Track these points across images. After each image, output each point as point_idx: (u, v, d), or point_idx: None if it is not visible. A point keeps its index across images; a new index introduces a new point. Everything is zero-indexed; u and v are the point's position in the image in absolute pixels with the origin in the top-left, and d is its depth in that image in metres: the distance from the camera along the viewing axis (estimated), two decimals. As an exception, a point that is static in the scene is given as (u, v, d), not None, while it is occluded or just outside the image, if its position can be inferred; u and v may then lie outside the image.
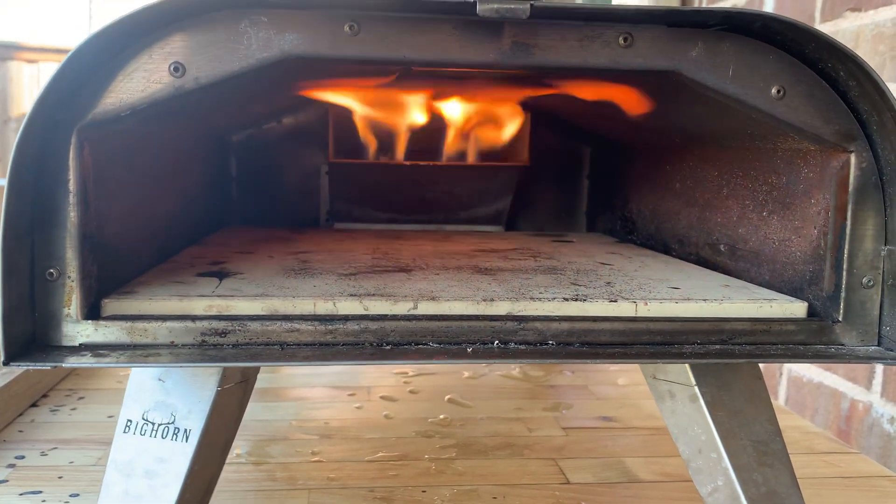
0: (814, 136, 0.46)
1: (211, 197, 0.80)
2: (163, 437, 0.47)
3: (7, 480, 0.64)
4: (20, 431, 0.74)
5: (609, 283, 0.53)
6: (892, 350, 0.46)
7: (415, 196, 0.86)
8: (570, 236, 0.84)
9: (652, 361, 0.47)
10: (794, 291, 0.52)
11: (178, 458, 0.47)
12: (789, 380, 1.17)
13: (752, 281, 0.57)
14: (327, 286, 0.49)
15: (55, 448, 0.70)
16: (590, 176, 0.94)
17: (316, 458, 0.70)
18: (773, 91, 0.45)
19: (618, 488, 0.66)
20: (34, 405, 0.81)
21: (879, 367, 1.07)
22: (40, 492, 0.62)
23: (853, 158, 0.46)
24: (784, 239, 0.54)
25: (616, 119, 0.70)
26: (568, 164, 0.94)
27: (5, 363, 0.39)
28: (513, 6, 0.40)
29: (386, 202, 0.86)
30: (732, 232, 0.61)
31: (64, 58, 0.39)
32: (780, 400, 1.03)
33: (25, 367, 0.39)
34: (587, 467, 0.70)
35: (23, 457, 0.68)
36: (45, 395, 0.84)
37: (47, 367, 0.40)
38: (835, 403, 1.12)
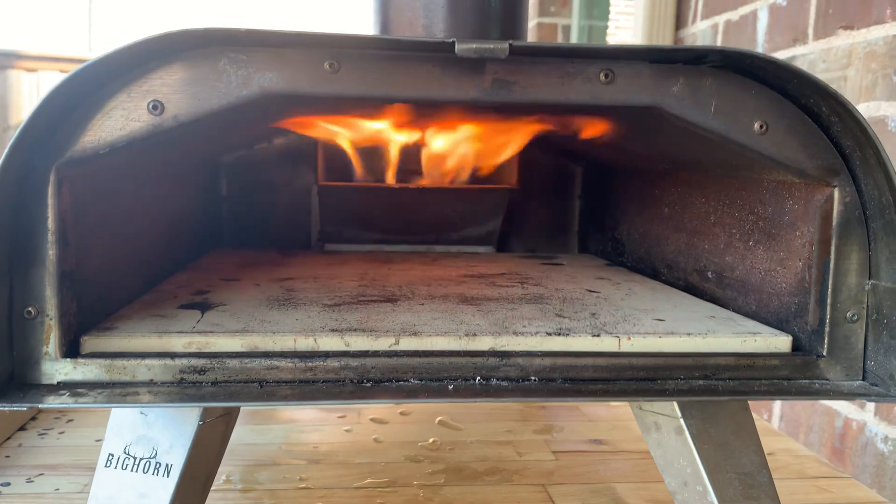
0: (797, 171, 0.46)
1: (200, 219, 0.80)
2: (144, 472, 0.47)
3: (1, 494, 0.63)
4: (7, 457, 0.74)
5: (594, 314, 0.53)
6: (876, 385, 0.46)
7: (405, 217, 0.85)
8: (561, 258, 0.84)
9: (635, 399, 0.46)
10: (780, 323, 0.51)
11: (160, 493, 0.46)
12: (782, 400, 1.16)
13: (739, 310, 0.57)
14: (310, 319, 0.49)
15: (41, 474, 0.70)
16: (581, 196, 0.94)
17: (304, 485, 0.69)
18: (756, 126, 0.45)
19: (606, 516, 0.66)
20: (22, 428, 0.81)
21: None
22: (24, 521, 0.61)
23: (836, 193, 0.46)
24: (770, 269, 0.54)
25: (605, 145, 0.70)
26: (559, 184, 0.93)
27: (-17, 404, 0.39)
28: (491, 46, 0.40)
29: (376, 223, 0.85)
30: (720, 259, 0.61)
31: (59, 81, 0.39)
32: (774, 417, 1.03)
33: (3, 409, 0.39)
34: (576, 493, 0.70)
35: (8, 483, 0.68)
36: (33, 419, 0.83)
37: (24, 408, 0.39)
38: (829, 422, 1.11)
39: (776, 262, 0.53)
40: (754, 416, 0.89)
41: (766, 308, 0.54)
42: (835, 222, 0.46)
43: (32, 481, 0.69)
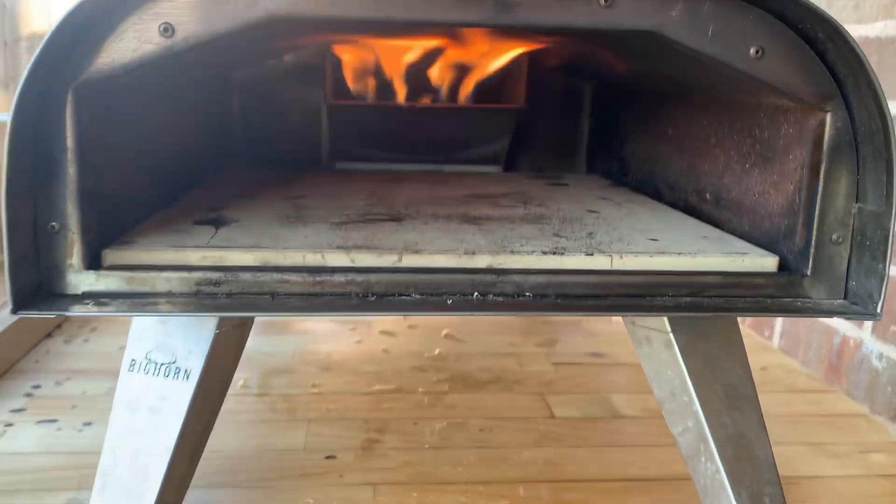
0: (792, 96, 0.47)
1: (213, 137, 0.82)
2: (165, 377, 0.50)
3: (25, 409, 0.68)
4: (36, 362, 0.78)
5: (591, 233, 0.55)
6: (856, 304, 0.48)
7: (414, 136, 0.87)
8: (567, 178, 0.85)
9: (624, 314, 0.49)
10: (770, 243, 0.53)
11: (180, 395, 0.50)
12: (780, 318, 1.19)
13: (733, 231, 0.59)
14: (318, 236, 0.51)
15: (69, 378, 0.75)
16: (591, 115, 0.95)
17: (316, 391, 0.74)
18: (752, 51, 0.46)
19: (600, 423, 0.69)
20: (49, 336, 0.85)
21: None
22: (56, 420, 0.66)
23: (829, 118, 0.47)
24: (763, 192, 0.55)
25: (610, 65, 0.70)
26: (569, 103, 0.94)
27: (13, 312, 0.42)
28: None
29: (386, 142, 0.87)
30: (718, 181, 0.63)
31: (73, 5, 0.40)
32: (775, 335, 1.06)
33: (33, 316, 0.42)
34: (573, 402, 0.74)
35: (39, 386, 0.73)
36: (58, 326, 0.88)
37: (52, 315, 0.43)
38: (827, 339, 1.14)
39: (770, 185, 0.54)
40: (756, 334, 0.92)
41: (759, 229, 0.55)
42: (826, 146, 0.48)
43: (61, 384, 0.73)
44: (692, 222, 0.62)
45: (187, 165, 0.71)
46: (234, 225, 0.54)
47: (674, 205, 0.70)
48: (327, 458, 0.61)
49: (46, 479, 0.57)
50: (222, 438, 0.54)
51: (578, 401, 0.74)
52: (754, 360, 0.55)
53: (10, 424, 0.65)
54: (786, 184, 0.52)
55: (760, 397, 0.76)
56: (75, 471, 0.57)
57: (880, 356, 1.07)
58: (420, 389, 0.75)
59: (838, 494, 0.59)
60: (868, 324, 1.12)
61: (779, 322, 1.17)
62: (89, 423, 0.65)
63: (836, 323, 1.06)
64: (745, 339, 0.53)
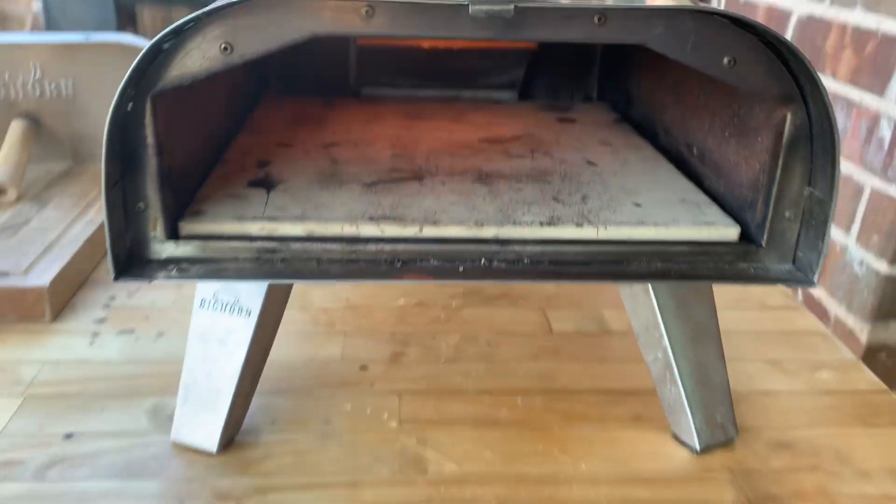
0: (760, 97, 0.55)
1: (255, 76, 0.89)
2: (230, 313, 0.62)
3: (106, 319, 0.81)
4: (108, 272, 0.90)
5: (584, 196, 0.64)
6: (800, 272, 0.58)
7: (436, 69, 0.94)
8: (576, 111, 0.93)
9: (604, 280, 0.59)
10: (738, 209, 0.62)
11: (244, 329, 0.61)
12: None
13: (710, 189, 0.67)
14: (353, 203, 0.61)
15: (138, 289, 0.87)
16: (602, 45, 1.00)
17: (349, 304, 0.86)
18: (726, 61, 0.53)
19: (591, 338, 0.81)
20: (115, 246, 0.97)
21: (860, 214, 1.18)
22: (133, 331, 0.79)
23: (790, 116, 0.55)
24: (737, 162, 0.63)
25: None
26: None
27: (115, 279, 0.53)
28: (498, 8, 0.48)
29: (409, 75, 0.94)
30: (703, 140, 0.70)
31: (158, 36, 0.48)
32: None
33: (129, 281, 0.53)
34: (569, 316, 0.85)
35: (114, 297, 0.85)
36: (122, 236, 0.99)
37: (145, 282, 0.54)
38: None
39: (742, 158, 0.62)
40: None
41: (731, 194, 0.64)
42: (785, 139, 0.56)
43: (132, 296, 0.86)
44: (677, 178, 0.70)
45: (234, 108, 0.80)
46: (282, 188, 0.64)
47: (667, 151, 0.78)
48: (361, 368, 0.74)
49: (133, 385, 0.70)
50: (277, 350, 0.66)
51: (574, 316, 0.85)
52: (718, 305, 0.65)
53: (96, 334, 0.78)
54: (753, 162, 0.60)
55: (735, 314, 0.88)
56: (156, 378, 0.71)
57: (861, 262, 1.18)
58: (438, 304, 0.86)
59: (783, 408, 0.72)
60: (854, 231, 1.21)
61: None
62: (162, 334, 0.78)
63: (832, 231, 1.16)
64: (709, 290, 0.63)
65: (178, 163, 0.57)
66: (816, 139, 0.55)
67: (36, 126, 1.06)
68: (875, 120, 1.15)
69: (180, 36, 0.50)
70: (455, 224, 0.58)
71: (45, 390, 0.69)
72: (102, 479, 0.59)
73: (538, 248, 0.57)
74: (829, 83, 1.27)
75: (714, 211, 0.63)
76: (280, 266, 0.56)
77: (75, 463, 0.60)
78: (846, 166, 1.23)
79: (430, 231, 0.58)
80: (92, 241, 0.89)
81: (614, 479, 0.61)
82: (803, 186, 0.57)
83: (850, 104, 1.21)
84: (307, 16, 0.50)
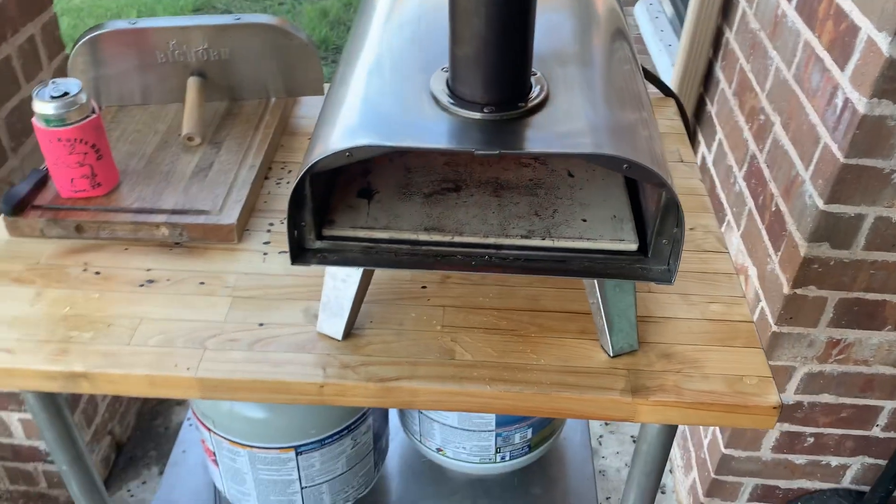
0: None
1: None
2: (343, 281, 1.10)
3: (270, 242, 1.30)
4: (265, 202, 1.39)
5: (555, 211, 1.07)
6: (669, 273, 1.01)
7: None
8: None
9: (554, 275, 1.03)
10: (643, 227, 1.04)
11: (354, 274, 1.10)
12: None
13: (641, 204, 1.08)
14: (416, 212, 1.05)
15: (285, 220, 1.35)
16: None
17: (418, 234, 1.32)
18: (625, 167, 0.93)
19: (569, 281, 1.26)
20: (266, 178, 1.45)
21: (814, 160, 1.56)
22: (287, 251, 1.28)
23: (664, 193, 0.95)
24: (649, 196, 1.04)
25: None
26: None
27: (292, 264, 1.01)
28: (488, 152, 0.89)
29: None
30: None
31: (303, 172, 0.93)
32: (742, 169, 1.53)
33: (300, 266, 1.01)
34: (562, 252, 1.30)
35: (272, 223, 1.34)
36: (269, 169, 1.47)
37: (308, 265, 1.02)
38: (787, 172, 1.65)
39: (651, 202, 1.03)
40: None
41: (646, 215, 1.06)
42: (661, 204, 0.96)
43: (283, 223, 1.34)
44: (620, 195, 1.10)
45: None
46: (375, 198, 1.08)
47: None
48: (422, 287, 1.22)
49: (293, 292, 1.21)
50: (376, 276, 1.15)
51: (564, 252, 1.29)
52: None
53: (266, 253, 1.28)
54: (653, 207, 1.01)
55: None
56: (304, 288, 1.21)
57: (810, 196, 1.57)
58: (476, 237, 1.32)
59: (677, 329, 1.17)
60: (809, 172, 1.60)
61: (742, 175, 1.66)
62: (303, 255, 1.27)
63: (795, 160, 1.55)
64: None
65: (321, 198, 1.03)
66: (678, 208, 0.96)
67: (204, 80, 1.51)
68: (836, 89, 1.49)
69: (325, 159, 0.94)
70: (472, 235, 1.03)
71: (242, 294, 1.20)
72: (282, 352, 1.11)
73: (518, 252, 1.02)
74: (815, 45, 1.58)
75: (628, 228, 1.05)
76: (375, 257, 1.03)
77: (268, 342, 1.13)
78: (814, 118, 1.58)
79: (458, 238, 1.03)
80: (255, 183, 1.37)
81: (557, 369, 1.10)
82: (672, 228, 0.98)
83: (824, 69, 1.55)
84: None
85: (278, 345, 1.12)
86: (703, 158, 2.27)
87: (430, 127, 0.93)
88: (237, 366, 1.09)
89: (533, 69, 0.99)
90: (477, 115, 0.93)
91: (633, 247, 1.02)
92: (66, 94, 1.22)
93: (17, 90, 1.77)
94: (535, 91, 0.97)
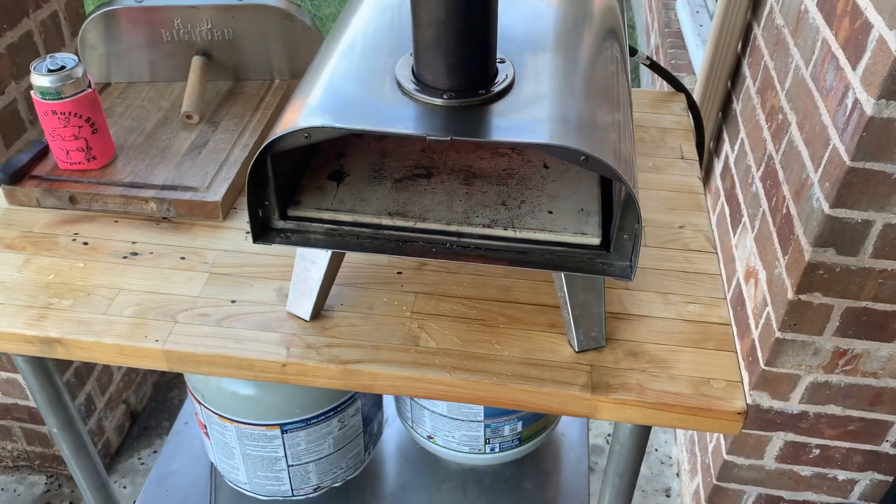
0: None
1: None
2: (311, 262, 1.11)
3: (254, 220, 1.32)
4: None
5: (522, 201, 1.06)
6: (631, 270, 0.99)
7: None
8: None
9: (513, 266, 1.01)
10: (606, 222, 1.02)
11: (322, 256, 1.11)
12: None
13: (606, 199, 1.06)
14: (384, 197, 1.05)
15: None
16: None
17: (401, 220, 1.32)
18: (582, 159, 0.91)
19: (542, 274, 1.24)
20: (260, 158, 1.46)
21: (823, 162, 1.51)
22: (269, 231, 1.30)
23: (623, 189, 0.93)
24: (616, 194, 1.02)
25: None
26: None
27: (254, 242, 1.03)
28: (439, 137, 0.88)
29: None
30: (616, 161, 1.08)
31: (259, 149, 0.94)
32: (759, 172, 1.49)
33: (261, 244, 1.03)
34: (543, 244, 1.28)
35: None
36: (265, 149, 1.48)
37: (268, 244, 1.03)
38: (798, 174, 1.60)
39: (616, 194, 1.01)
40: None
41: (614, 210, 1.04)
42: (622, 197, 0.95)
43: (270, 202, 1.36)
44: (591, 188, 1.08)
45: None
46: (346, 181, 1.09)
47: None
48: (398, 273, 1.22)
49: (267, 271, 1.22)
50: (350, 259, 1.15)
51: (546, 244, 1.28)
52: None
53: (248, 232, 1.30)
54: (616, 202, 0.99)
55: (660, 252, 1.27)
56: (280, 268, 1.22)
57: (817, 199, 1.52)
58: (459, 225, 1.31)
59: (650, 329, 1.14)
60: (818, 175, 1.55)
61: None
62: (285, 235, 1.29)
63: (808, 165, 1.51)
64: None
65: (284, 178, 1.04)
66: (633, 203, 0.94)
67: (209, 59, 1.53)
68: (847, 88, 1.44)
69: (283, 138, 0.94)
70: (435, 222, 1.03)
71: (220, 270, 1.23)
72: (251, 329, 1.13)
73: (480, 241, 1.01)
74: (832, 42, 1.52)
75: (594, 222, 1.03)
76: (338, 239, 1.03)
77: (237, 318, 1.14)
78: (826, 119, 1.53)
79: (421, 224, 1.03)
80: (246, 162, 1.39)
81: (520, 361, 1.09)
82: (633, 223, 0.96)
83: (838, 68, 1.50)
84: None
85: (247, 322, 1.14)
86: (727, 158, 2.21)
87: (390, 111, 0.93)
88: (203, 340, 1.11)
89: (501, 56, 0.98)
90: (437, 102, 0.92)
91: (596, 241, 1.01)
92: (62, 67, 1.25)
93: (40, 64, 1.83)
94: (501, 77, 0.96)
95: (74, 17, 1.90)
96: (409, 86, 0.95)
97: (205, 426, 1.62)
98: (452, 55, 0.92)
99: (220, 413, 1.54)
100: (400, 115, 0.93)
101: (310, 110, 0.94)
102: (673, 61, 3.07)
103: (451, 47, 0.91)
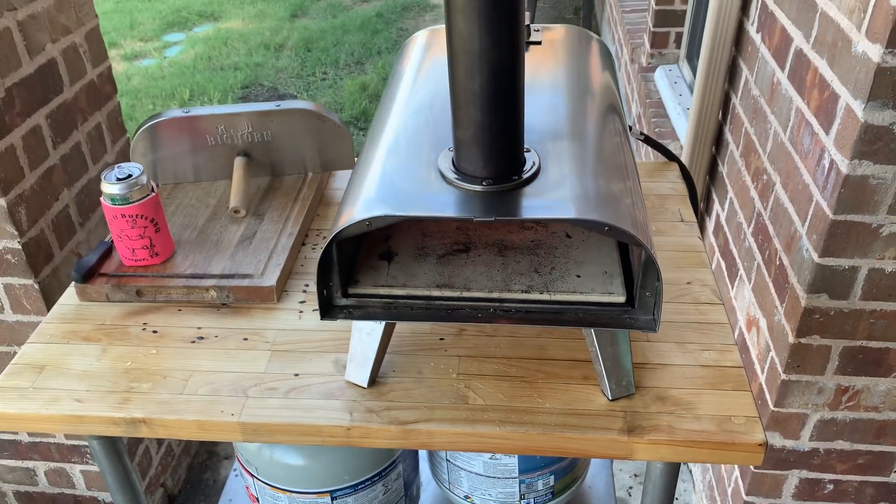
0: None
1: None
2: (368, 335, 1.25)
3: (305, 301, 1.46)
4: (301, 265, 1.55)
5: (552, 268, 1.21)
6: (655, 322, 1.13)
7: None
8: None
9: (550, 326, 1.16)
10: (630, 281, 1.17)
11: (377, 329, 1.24)
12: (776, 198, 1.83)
13: (629, 263, 1.21)
14: (430, 271, 1.20)
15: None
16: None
17: (437, 292, 1.47)
18: (606, 229, 1.06)
19: (573, 332, 1.39)
20: (303, 244, 1.61)
21: (807, 220, 1.67)
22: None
23: (643, 253, 1.08)
24: (635, 256, 1.17)
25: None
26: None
27: (322, 319, 1.16)
28: (485, 219, 1.04)
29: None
30: (630, 228, 1.24)
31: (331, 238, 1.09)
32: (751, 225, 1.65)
33: (328, 320, 1.16)
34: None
35: (308, 284, 1.50)
36: (306, 235, 1.63)
37: (335, 320, 1.17)
38: (787, 228, 1.76)
39: (635, 256, 1.16)
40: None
41: (634, 271, 1.19)
42: (643, 260, 1.10)
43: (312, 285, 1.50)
44: (611, 252, 1.24)
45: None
46: (396, 261, 1.24)
47: (621, 220, 1.31)
48: (440, 339, 1.36)
49: (324, 345, 1.35)
50: (396, 327, 1.29)
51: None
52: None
53: (301, 311, 1.43)
54: (637, 263, 1.14)
55: (674, 307, 1.41)
56: (334, 342, 1.35)
57: (807, 250, 1.68)
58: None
59: (672, 375, 1.28)
60: (805, 226, 1.71)
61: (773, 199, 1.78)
62: (335, 313, 1.43)
63: (796, 220, 1.66)
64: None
65: (346, 261, 1.19)
66: (652, 265, 1.09)
67: (249, 158, 1.70)
68: (823, 151, 1.62)
69: (348, 227, 1.09)
70: (479, 290, 1.17)
71: (280, 347, 1.36)
72: (314, 398, 1.25)
73: (519, 305, 1.15)
74: (805, 110, 1.71)
75: (617, 282, 1.18)
76: (394, 311, 1.17)
77: (302, 389, 1.27)
78: (807, 178, 1.70)
79: (466, 293, 1.17)
80: (293, 248, 1.53)
81: (560, 412, 1.22)
82: (653, 281, 1.11)
83: (812, 133, 1.68)
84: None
85: (311, 392, 1.26)
86: (718, 216, 2.39)
87: (438, 199, 1.08)
88: (275, 411, 1.23)
89: (527, 146, 1.15)
90: (477, 188, 1.08)
91: (622, 299, 1.15)
92: (129, 176, 1.41)
93: (85, 171, 1.99)
94: (529, 165, 1.12)
95: (115, 125, 2.07)
96: (451, 175, 1.11)
97: (257, 499, 1.72)
98: (489, 150, 1.08)
99: (273, 484, 1.64)
100: (446, 202, 1.08)
101: (368, 202, 1.09)
102: (657, 129, 3.28)
103: (488, 143, 1.08)
